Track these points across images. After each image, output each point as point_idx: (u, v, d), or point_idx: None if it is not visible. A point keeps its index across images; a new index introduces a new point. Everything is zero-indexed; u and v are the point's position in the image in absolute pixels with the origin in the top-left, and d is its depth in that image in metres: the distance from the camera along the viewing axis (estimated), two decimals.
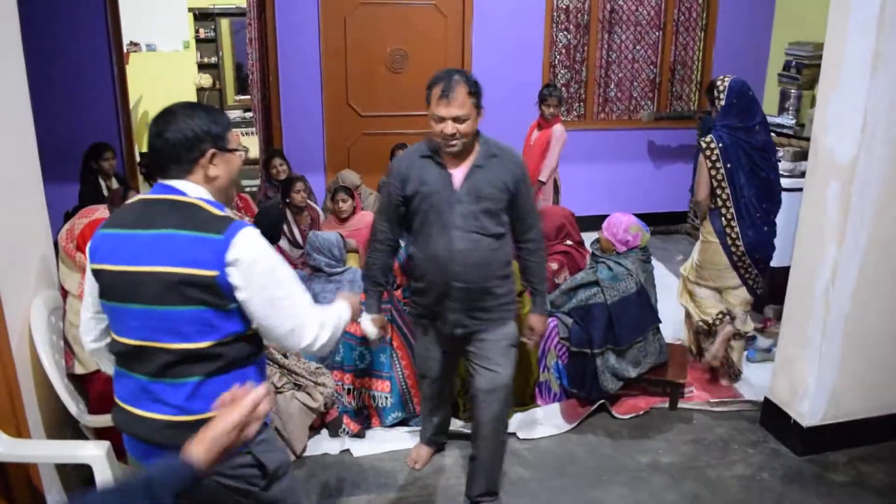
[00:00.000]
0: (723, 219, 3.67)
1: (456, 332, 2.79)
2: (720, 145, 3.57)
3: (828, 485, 3.24)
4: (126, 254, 1.75)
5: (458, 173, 2.66)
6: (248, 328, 1.81)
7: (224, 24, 10.09)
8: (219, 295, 1.72)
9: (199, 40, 10.04)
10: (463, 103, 2.55)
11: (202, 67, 10.04)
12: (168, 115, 1.79)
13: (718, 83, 3.67)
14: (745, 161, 3.58)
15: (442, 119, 2.56)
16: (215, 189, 1.83)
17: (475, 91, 2.59)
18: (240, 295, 1.73)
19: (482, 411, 2.84)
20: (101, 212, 2.77)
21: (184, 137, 1.76)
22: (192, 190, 1.79)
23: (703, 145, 3.63)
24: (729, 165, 3.58)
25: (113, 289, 1.79)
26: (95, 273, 1.82)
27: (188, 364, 1.75)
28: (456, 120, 2.55)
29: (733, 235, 3.66)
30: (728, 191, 3.62)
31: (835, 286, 3.20)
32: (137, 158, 7.39)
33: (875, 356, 3.38)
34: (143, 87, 9.03)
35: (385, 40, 5.97)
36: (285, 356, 3.34)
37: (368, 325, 2.94)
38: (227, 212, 1.82)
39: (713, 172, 3.62)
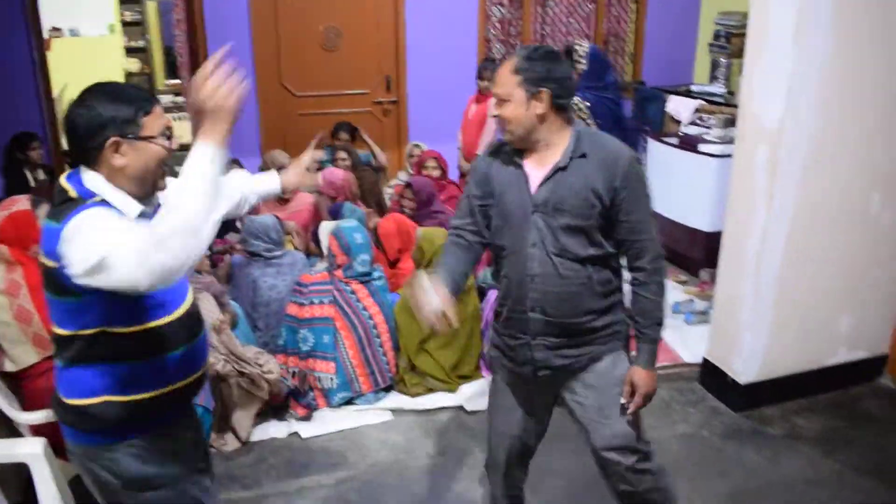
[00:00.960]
0: None
1: (539, 375, 2.22)
2: (587, 104, 3.80)
3: (765, 438, 3.36)
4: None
5: (536, 175, 2.09)
6: (117, 323, 1.68)
7: (151, 6, 9.81)
8: (63, 286, 1.60)
9: (125, 24, 9.72)
10: (505, 83, 2.04)
11: (129, 52, 9.75)
12: (78, 98, 1.67)
13: (578, 48, 3.88)
14: (610, 116, 3.75)
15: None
16: (127, 179, 1.66)
17: (524, 68, 2.01)
18: (78, 281, 1.53)
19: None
20: (22, 203, 2.68)
21: (85, 124, 1.62)
22: (88, 181, 1.66)
23: (574, 106, 3.73)
24: (599, 122, 3.83)
25: None
26: None
27: (59, 348, 1.74)
28: (498, 102, 2.09)
29: None
30: None
31: (765, 248, 3.30)
32: (64, 147, 7.17)
33: (804, 313, 3.51)
34: (68, 75, 8.64)
35: (317, 18, 5.87)
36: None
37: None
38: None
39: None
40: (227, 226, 4.51)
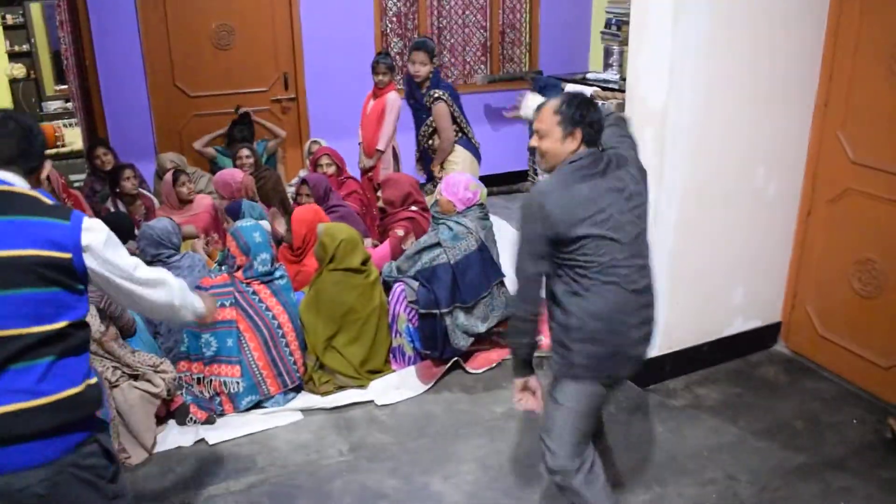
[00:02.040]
0: (472, 140, 5.00)
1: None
2: (449, 93, 4.73)
3: (669, 410, 3.48)
4: None
5: None
6: (87, 313, 1.89)
7: (35, 8, 9.31)
8: (73, 277, 1.81)
9: (6, 27, 9.22)
10: (546, 120, 2.35)
11: (13, 56, 9.25)
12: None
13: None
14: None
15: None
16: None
17: (567, 110, 2.32)
18: (97, 277, 1.87)
19: None
20: None
21: (40, 146, 1.94)
22: (18, 183, 1.86)
23: (439, 96, 4.74)
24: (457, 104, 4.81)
25: None
26: None
27: (43, 346, 1.76)
28: (538, 136, 2.39)
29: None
30: (462, 122, 4.92)
31: (658, 225, 3.39)
32: None
33: (700, 287, 3.63)
34: None
35: (208, 16, 5.72)
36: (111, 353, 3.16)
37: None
38: None
39: (455, 113, 4.83)
40: (128, 234, 4.35)
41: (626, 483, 2.99)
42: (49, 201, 1.85)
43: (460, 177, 3.90)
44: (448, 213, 3.84)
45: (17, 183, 1.84)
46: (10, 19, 9.26)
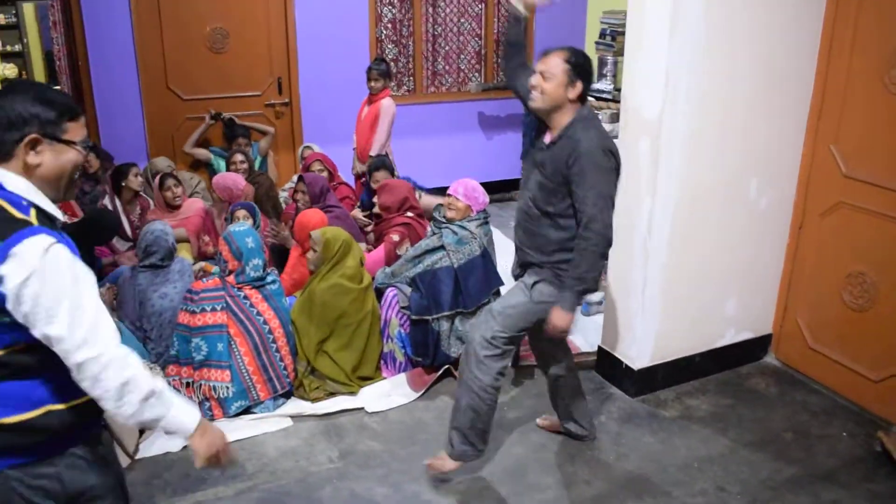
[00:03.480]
0: None
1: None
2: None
3: (660, 420, 3.47)
4: None
5: (547, 141, 2.74)
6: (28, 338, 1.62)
7: (28, 8, 9.27)
8: None
9: None
10: (554, 65, 2.62)
11: (5, 56, 9.19)
12: (6, 87, 1.65)
13: None
14: None
15: (533, 72, 2.69)
16: (38, 180, 1.63)
17: (576, 63, 2.63)
18: (11, 309, 1.53)
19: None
20: None
21: (5, 116, 1.59)
22: (10, 184, 1.60)
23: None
24: None
25: None
26: None
27: None
28: (541, 74, 2.63)
29: None
30: None
31: (651, 236, 3.41)
32: None
33: (692, 298, 3.64)
34: None
35: (203, 19, 5.70)
36: None
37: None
38: (47, 211, 1.64)
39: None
40: (112, 231, 4.32)
41: (617, 493, 2.98)
42: (11, 212, 1.57)
43: (474, 182, 3.93)
44: (457, 218, 3.83)
45: (3, 182, 1.61)
46: (2, 19, 9.23)
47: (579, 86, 2.63)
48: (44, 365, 1.65)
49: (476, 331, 2.86)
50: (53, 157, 1.64)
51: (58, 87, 7.40)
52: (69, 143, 1.65)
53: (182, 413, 1.73)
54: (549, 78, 2.62)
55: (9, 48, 9.24)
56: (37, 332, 1.56)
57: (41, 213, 1.62)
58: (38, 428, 1.65)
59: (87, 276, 1.62)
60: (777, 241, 3.82)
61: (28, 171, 1.62)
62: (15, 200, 1.59)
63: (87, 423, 1.75)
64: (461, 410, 2.87)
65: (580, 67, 2.63)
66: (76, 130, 1.67)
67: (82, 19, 5.38)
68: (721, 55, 3.30)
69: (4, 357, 1.61)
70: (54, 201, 1.69)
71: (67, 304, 1.55)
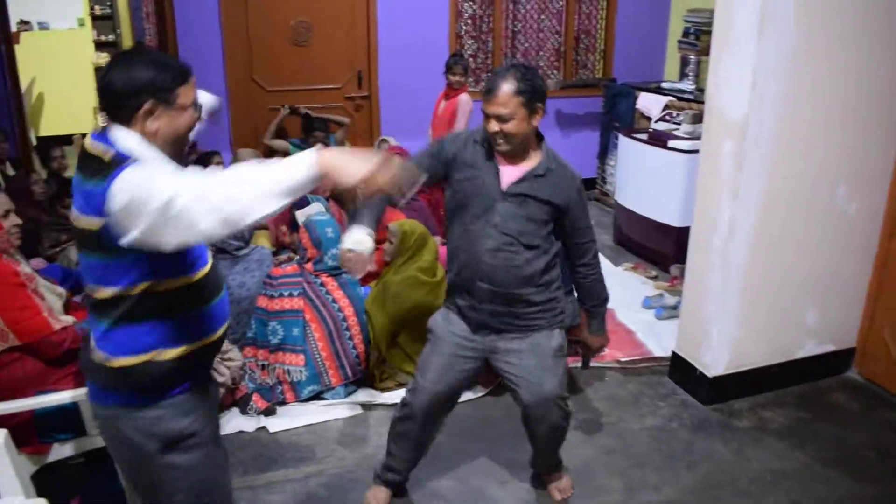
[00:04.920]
0: None
1: (480, 334, 2.59)
2: None
3: (732, 430, 3.39)
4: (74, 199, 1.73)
5: (510, 172, 2.45)
6: (163, 277, 1.72)
7: (122, 0, 9.68)
8: (109, 246, 1.64)
9: (95, 18, 9.59)
10: (506, 101, 2.33)
11: (100, 46, 9.60)
12: (117, 58, 1.74)
13: None
14: None
15: (487, 117, 2.39)
16: (158, 143, 1.73)
17: (525, 90, 2.33)
18: (124, 242, 1.57)
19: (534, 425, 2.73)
20: None
21: (122, 85, 1.67)
22: (123, 139, 1.68)
23: None
24: None
25: None
26: None
27: (102, 308, 1.75)
28: (498, 119, 2.35)
29: None
30: None
31: (732, 240, 3.33)
32: (33, 142, 7.05)
33: (772, 306, 3.54)
34: (36, 68, 8.58)
35: (288, 12, 5.84)
36: None
37: (359, 235, 2.36)
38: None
39: None
40: None
41: (685, 501, 2.93)
42: (112, 158, 1.64)
43: None
44: None
45: (117, 140, 1.69)
46: (98, 10, 9.63)
47: (540, 108, 2.39)
48: (155, 311, 1.76)
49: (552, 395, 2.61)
50: (169, 122, 1.72)
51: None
52: (182, 107, 1.74)
53: (292, 161, 1.59)
54: (507, 119, 2.34)
55: (103, 38, 9.65)
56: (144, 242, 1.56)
57: None
58: (145, 372, 1.77)
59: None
60: (865, 251, 3.68)
61: (148, 136, 1.71)
62: (122, 155, 1.65)
63: (191, 371, 1.86)
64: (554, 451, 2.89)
65: (534, 90, 2.35)
66: (187, 94, 1.74)
67: (174, 12, 5.57)
68: (811, 57, 3.19)
69: (119, 300, 1.72)
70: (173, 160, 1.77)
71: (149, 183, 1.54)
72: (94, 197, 1.61)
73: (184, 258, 1.77)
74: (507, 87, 2.33)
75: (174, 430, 1.84)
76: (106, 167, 1.62)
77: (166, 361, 1.79)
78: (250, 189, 1.51)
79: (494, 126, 2.36)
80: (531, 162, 2.47)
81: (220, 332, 1.92)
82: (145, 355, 1.76)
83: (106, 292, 1.72)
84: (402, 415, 2.72)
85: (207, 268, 1.86)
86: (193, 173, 1.58)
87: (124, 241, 1.56)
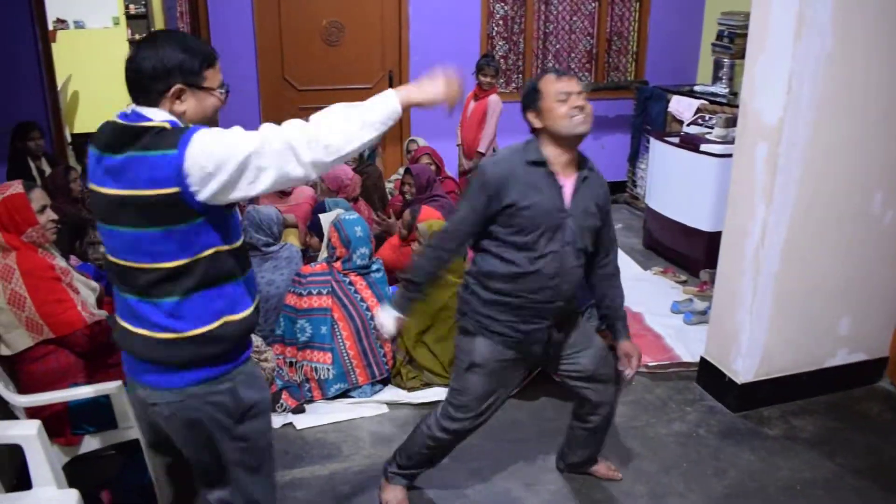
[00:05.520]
0: None
1: (548, 353, 2.61)
2: None
3: (762, 438, 3.35)
4: (102, 175, 1.74)
5: (568, 186, 2.41)
6: (225, 241, 1.79)
7: None
8: (185, 210, 1.69)
9: (129, 16, 9.72)
10: (578, 84, 2.36)
11: (134, 44, 9.74)
12: (145, 41, 1.77)
13: None
14: None
15: (568, 94, 2.31)
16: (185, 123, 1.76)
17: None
18: (202, 197, 1.67)
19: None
20: (16, 187, 2.67)
21: (151, 67, 1.70)
22: (158, 115, 1.73)
23: None
24: None
25: (98, 208, 1.79)
26: (90, 192, 1.82)
27: (167, 283, 1.75)
28: (579, 95, 2.33)
29: None
30: None
31: (764, 246, 3.29)
32: (68, 139, 7.17)
33: (803, 313, 3.49)
34: (72, 66, 8.72)
35: (320, 12, 5.88)
36: None
37: (387, 320, 2.49)
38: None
39: None
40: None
41: None
42: (174, 128, 1.72)
43: None
44: None
45: (153, 116, 1.74)
46: (132, 9, 9.75)
47: None
48: (222, 275, 1.81)
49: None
50: (196, 104, 1.77)
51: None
52: (209, 89, 1.78)
53: (375, 100, 1.84)
54: (586, 99, 2.35)
55: (137, 36, 9.76)
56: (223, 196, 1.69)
57: None
58: (219, 338, 1.82)
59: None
60: None
61: (175, 116, 1.75)
62: (173, 123, 1.72)
63: (248, 336, 1.94)
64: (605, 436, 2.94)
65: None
66: (214, 76, 1.78)
67: (207, 10, 5.64)
68: (848, 62, 3.14)
69: (187, 269, 1.75)
70: None
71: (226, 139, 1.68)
72: (163, 165, 1.64)
73: (236, 223, 1.84)
74: (566, 73, 2.39)
75: (248, 399, 1.91)
76: (171, 135, 1.67)
77: (235, 323, 1.84)
78: (344, 121, 1.75)
79: (579, 101, 2.31)
80: (574, 169, 2.43)
81: (259, 297, 2.02)
82: (218, 320, 1.81)
83: (171, 264, 1.73)
84: (444, 439, 2.68)
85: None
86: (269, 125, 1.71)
87: (207, 196, 1.66)
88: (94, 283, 2.90)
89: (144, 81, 1.72)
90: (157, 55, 1.70)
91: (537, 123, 2.39)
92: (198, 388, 1.84)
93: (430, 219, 3.95)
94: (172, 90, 1.72)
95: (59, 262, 2.69)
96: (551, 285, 2.41)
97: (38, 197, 2.69)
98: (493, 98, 5.15)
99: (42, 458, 2.25)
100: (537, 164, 2.37)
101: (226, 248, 1.79)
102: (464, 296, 2.56)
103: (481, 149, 5.15)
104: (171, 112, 1.74)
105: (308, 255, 4.27)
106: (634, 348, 2.67)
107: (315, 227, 4.34)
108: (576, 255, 2.44)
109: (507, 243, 2.39)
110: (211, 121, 1.81)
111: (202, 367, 1.83)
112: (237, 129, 1.70)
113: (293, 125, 1.72)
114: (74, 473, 2.56)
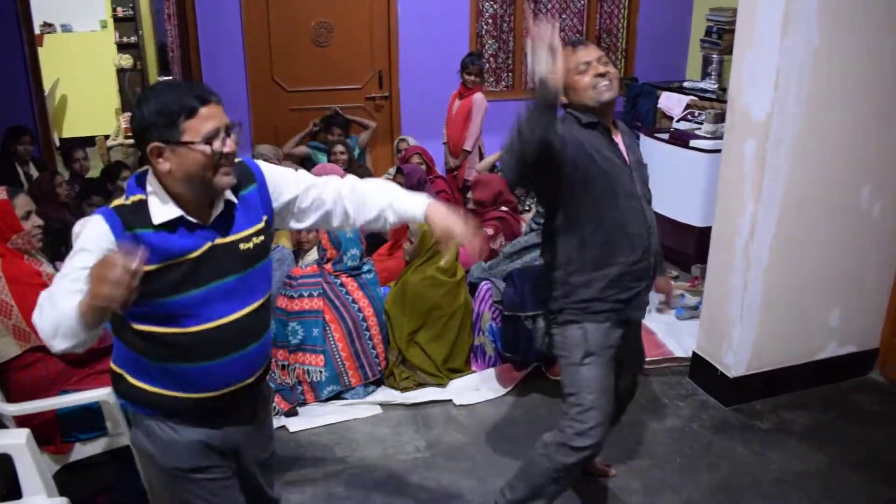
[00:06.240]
0: None
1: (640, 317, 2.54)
2: None
3: (754, 432, 3.36)
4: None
5: (620, 142, 2.39)
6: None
7: (144, 2, 9.76)
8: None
9: (117, 19, 9.69)
10: (598, 51, 2.32)
11: (122, 48, 9.70)
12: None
13: None
14: None
15: (588, 63, 2.26)
16: (176, 182, 1.64)
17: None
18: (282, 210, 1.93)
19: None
20: (0, 194, 2.65)
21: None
22: (150, 183, 1.68)
23: None
24: None
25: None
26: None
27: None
28: (599, 61, 2.28)
29: None
30: None
31: (754, 241, 3.30)
32: (56, 143, 7.14)
33: (794, 307, 3.51)
34: (59, 70, 8.69)
35: (309, 13, 5.86)
36: None
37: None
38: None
39: None
40: None
41: (705, 502, 2.90)
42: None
43: None
44: None
45: (146, 186, 1.72)
46: (120, 12, 9.72)
47: None
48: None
49: None
50: (178, 161, 1.62)
51: (170, 77, 7.73)
52: (186, 144, 1.60)
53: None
54: (608, 63, 2.31)
55: (125, 39, 9.74)
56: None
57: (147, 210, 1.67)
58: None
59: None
60: (889, 252, 3.63)
61: (166, 176, 1.65)
62: (130, 188, 1.73)
63: None
64: None
65: None
66: (196, 127, 1.61)
67: (195, 13, 5.61)
68: (835, 57, 3.16)
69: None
70: (197, 199, 1.68)
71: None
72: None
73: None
74: (586, 43, 2.35)
75: None
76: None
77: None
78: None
79: (601, 68, 2.26)
80: (615, 128, 2.41)
81: None
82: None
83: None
84: (576, 463, 2.38)
85: None
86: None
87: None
88: None
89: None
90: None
91: (564, 100, 2.27)
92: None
93: None
94: (149, 150, 1.62)
95: (46, 268, 2.68)
96: (643, 243, 2.34)
97: (23, 203, 2.68)
98: (478, 97, 5.16)
99: (32, 467, 2.24)
100: (592, 125, 2.31)
101: None
102: (553, 293, 2.41)
103: (467, 147, 5.17)
104: (159, 171, 1.64)
105: (304, 251, 4.24)
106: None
107: None
108: (650, 207, 2.40)
109: (585, 210, 2.29)
110: (205, 177, 1.64)
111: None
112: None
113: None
114: (68, 481, 2.56)
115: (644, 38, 6.70)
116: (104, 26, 9.49)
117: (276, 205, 1.87)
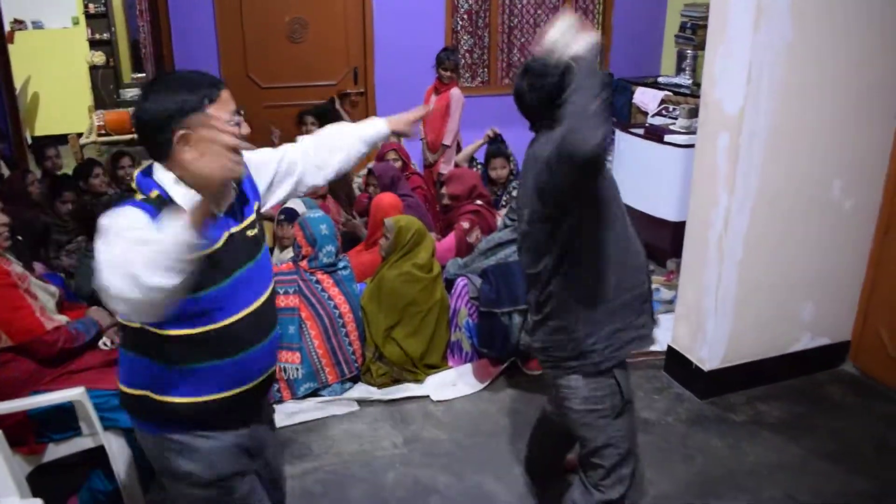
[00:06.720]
0: None
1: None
2: None
3: (728, 424, 3.39)
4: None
5: None
6: None
7: None
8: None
9: (89, 16, 9.54)
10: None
11: (94, 44, 9.56)
12: (143, 91, 1.64)
13: None
14: None
15: None
16: (188, 174, 1.61)
17: None
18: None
19: None
20: None
21: (151, 118, 1.59)
22: (156, 174, 1.64)
23: None
24: None
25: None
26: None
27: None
28: None
29: None
30: None
31: (727, 234, 3.33)
32: (28, 142, 7.04)
33: (767, 300, 3.54)
34: (31, 67, 8.57)
35: (283, 9, 5.82)
36: None
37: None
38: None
39: None
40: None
41: (681, 495, 2.93)
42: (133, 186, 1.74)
43: None
44: None
45: (154, 173, 1.69)
46: (92, 8, 9.58)
47: None
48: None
49: None
50: (204, 147, 1.57)
51: (143, 75, 7.61)
52: (218, 125, 1.57)
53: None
54: None
55: (98, 36, 9.61)
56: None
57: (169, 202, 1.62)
58: None
59: None
60: (860, 246, 3.67)
61: (181, 167, 1.61)
62: (144, 185, 1.67)
63: None
64: None
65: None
66: (219, 111, 1.62)
67: (168, 8, 5.56)
68: (807, 51, 3.19)
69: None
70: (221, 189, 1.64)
71: None
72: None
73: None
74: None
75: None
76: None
77: None
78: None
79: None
80: None
81: None
82: None
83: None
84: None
85: None
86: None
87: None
88: (52, 288, 2.85)
89: (149, 135, 1.62)
90: (154, 104, 1.59)
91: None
92: None
93: (387, 203, 3.95)
94: (177, 138, 1.58)
95: (16, 267, 2.64)
96: (642, 259, 2.22)
97: None
98: (455, 92, 5.17)
99: (3, 469, 2.22)
100: None
101: None
102: (576, 337, 2.15)
103: (446, 142, 5.17)
104: (173, 165, 1.62)
105: (284, 247, 4.20)
106: None
107: (289, 214, 4.09)
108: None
109: (598, 235, 2.10)
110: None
111: None
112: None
113: None
114: (41, 482, 2.52)
115: (619, 34, 6.72)
116: (76, 23, 9.36)
117: (262, 188, 1.90)
